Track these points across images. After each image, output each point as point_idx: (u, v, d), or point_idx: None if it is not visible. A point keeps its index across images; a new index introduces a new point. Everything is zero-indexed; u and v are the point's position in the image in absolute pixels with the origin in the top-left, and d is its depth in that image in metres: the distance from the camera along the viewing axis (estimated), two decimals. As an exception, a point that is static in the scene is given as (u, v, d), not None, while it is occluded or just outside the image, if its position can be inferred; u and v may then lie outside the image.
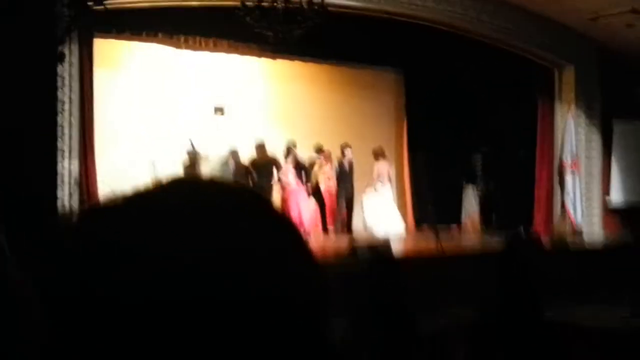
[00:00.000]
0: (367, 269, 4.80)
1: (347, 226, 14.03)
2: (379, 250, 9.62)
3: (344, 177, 14.01)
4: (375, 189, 13.81)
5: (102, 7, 6.03)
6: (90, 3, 5.77)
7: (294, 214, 12.75)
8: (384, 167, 13.99)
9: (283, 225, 0.69)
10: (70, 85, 10.38)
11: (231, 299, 0.60)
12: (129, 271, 0.59)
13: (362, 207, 13.90)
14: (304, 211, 13.00)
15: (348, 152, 13.97)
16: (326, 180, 14.08)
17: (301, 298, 0.65)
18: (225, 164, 12.13)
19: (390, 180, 14.13)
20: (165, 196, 0.67)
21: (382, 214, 13.63)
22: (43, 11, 3.78)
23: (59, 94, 10.19)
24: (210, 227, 0.63)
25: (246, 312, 0.61)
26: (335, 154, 14.17)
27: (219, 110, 14.95)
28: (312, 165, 13.90)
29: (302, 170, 13.58)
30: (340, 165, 14.15)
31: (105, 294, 0.58)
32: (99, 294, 0.58)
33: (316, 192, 13.60)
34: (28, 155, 3.77)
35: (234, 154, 12.78)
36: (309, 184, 13.65)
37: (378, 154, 14.07)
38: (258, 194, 0.70)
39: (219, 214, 0.65)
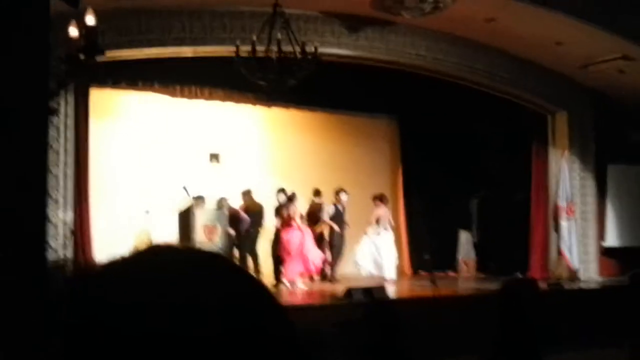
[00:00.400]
0: (363, 311, 4.78)
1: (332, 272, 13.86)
2: (374, 293, 9.61)
3: (339, 222, 13.97)
4: (378, 233, 13.79)
5: (95, 62, 6.10)
6: (83, 58, 5.84)
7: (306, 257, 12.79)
8: (385, 212, 14.00)
9: (254, 284, 0.74)
10: (65, 136, 10.45)
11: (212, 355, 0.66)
12: (134, 327, 0.66)
13: (361, 250, 13.80)
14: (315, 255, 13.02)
15: (343, 196, 13.96)
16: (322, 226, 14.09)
17: (277, 354, 0.69)
18: (219, 210, 12.13)
19: (391, 225, 14.13)
20: (148, 261, 0.73)
21: (382, 258, 13.59)
22: (37, 65, 3.82)
23: (55, 144, 10.27)
24: (191, 288, 0.68)
25: None
26: (330, 198, 14.15)
27: (215, 157, 15.02)
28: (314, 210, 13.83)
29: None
30: (335, 209, 14.11)
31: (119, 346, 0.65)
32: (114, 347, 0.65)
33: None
34: (18, 207, 3.78)
35: (225, 201, 12.79)
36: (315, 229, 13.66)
37: (381, 199, 14.07)
38: (228, 259, 0.76)
39: (196, 275, 0.70)
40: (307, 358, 0.72)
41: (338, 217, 13.93)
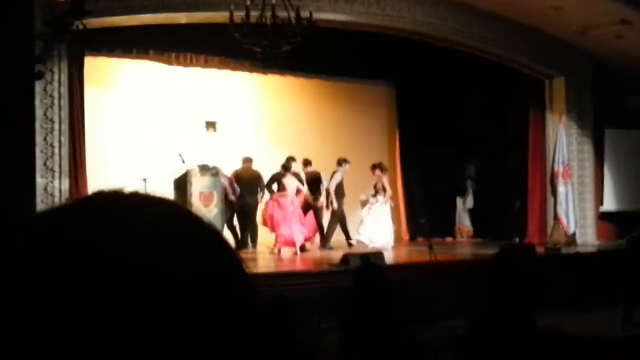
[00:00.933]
0: (358, 277, 4.79)
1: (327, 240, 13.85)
2: (371, 259, 9.63)
3: (339, 190, 13.92)
4: (376, 202, 13.70)
5: (82, 25, 6.02)
6: (68, 21, 5.76)
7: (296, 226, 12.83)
8: (384, 181, 13.88)
9: (215, 239, 0.68)
10: (60, 104, 10.39)
11: (161, 319, 0.59)
12: (77, 273, 0.59)
13: (362, 219, 13.75)
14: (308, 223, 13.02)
15: (347, 166, 13.83)
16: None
17: (233, 315, 0.64)
18: (216, 178, 12.10)
19: (389, 194, 13.99)
20: (94, 207, 0.66)
21: (381, 228, 13.53)
22: (21, 30, 3.75)
23: (49, 113, 10.21)
24: (138, 240, 0.62)
25: (175, 333, 0.60)
26: (325, 166, 14.04)
27: (211, 125, 14.97)
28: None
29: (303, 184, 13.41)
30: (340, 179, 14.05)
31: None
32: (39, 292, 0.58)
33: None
34: (4, 173, 3.75)
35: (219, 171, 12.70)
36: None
37: (382, 168, 13.91)
38: (184, 207, 0.69)
39: (145, 227, 0.64)
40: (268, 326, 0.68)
41: (339, 186, 13.89)
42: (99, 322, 0.57)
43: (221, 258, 0.66)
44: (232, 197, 12.66)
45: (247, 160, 13.39)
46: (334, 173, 13.83)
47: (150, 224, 0.64)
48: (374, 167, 13.82)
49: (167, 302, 0.59)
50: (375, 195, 13.67)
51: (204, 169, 12.05)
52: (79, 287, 0.58)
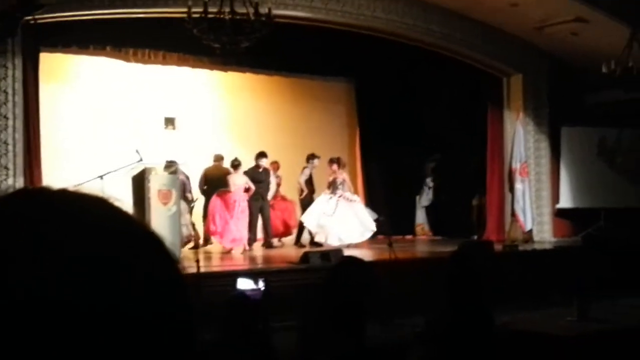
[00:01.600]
0: (334, 271, 4.76)
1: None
2: (331, 257, 9.61)
3: (308, 186, 13.94)
4: (330, 198, 13.60)
5: (32, 19, 5.90)
6: (18, 14, 5.64)
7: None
8: (346, 176, 13.82)
9: (140, 231, 0.67)
10: (14, 101, 10.19)
11: (86, 307, 0.59)
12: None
13: (310, 214, 13.62)
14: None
15: (316, 161, 13.80)
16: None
17: (156, 306, 0.62)
18: (174, 175, 12.00)
19: (350, 189, 13.90)
20: (20, 203, 0.65)
21: (339, 224, 13.45)
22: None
23: (2, 109, 10.01)
24: (65, 233, 0.61)
25: (100, 322, 0.59)
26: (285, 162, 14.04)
27: (170, 122, 14.84)
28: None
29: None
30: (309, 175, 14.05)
31: None
32: None
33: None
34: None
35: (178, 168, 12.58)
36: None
37: (339, 163, 13.81)
38: (109, 201, 0.68)
39: (72, 220, 0.63)
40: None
41: (308, 182, 13.91)
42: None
43: (142, 252, 0.65)
44: (189, 195, 12.63)
45: (218, 158, 13.36)
46: (303, 168, 13.87)
47: (71, 218, 0.63)
48: (331, 162, 13.73)
49: (84, 293, 0.58)
50: (333, 191, 13.56)
51: (166, 166, 11.97)
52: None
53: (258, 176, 12.94)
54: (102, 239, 0.62)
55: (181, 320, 0.65)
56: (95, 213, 0.65)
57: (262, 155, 13.15)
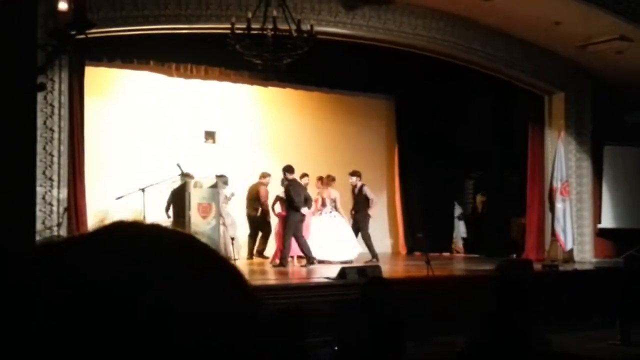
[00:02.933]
0: (361, 291, 4.79)
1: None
2: (368, 272, 9.60)
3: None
4: (321, 215, 13.56)
5: (84, 36, 6.02)
6: (72, 33, 5.76)
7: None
8: (335, 194, 13.72)
9: (224, 270, 0.68)
10: (59, 114, 10.38)
11: (170, 345, 0.59)
12: (76, 309, 0.58)
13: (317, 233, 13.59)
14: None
15: (306, 180, 13.71)
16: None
17: (245, 343, 0.64)
18: (214, 189, 12.10)
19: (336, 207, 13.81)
20: (110, 239, 0.66)
21: (339, 240, 13.40)
22: (24, 41, 3.75)
23: (49, 122, 10.20)
24: (154, 271, 0.62)
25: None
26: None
27: (210, 136, 14.98)
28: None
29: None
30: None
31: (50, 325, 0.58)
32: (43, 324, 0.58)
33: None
34: (5, 182, 3.74)
35: (223, 180, 12.68)
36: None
37: (329, 181, 13.74)
38: (197, 239, 0.69)
39: (161, 258, 0.64)
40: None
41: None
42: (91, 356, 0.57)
43: (232, 296, 0.66)
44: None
45: (264, 175, 13.52)
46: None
47: (158, 260, 0.63)
48: (320, 180, 13.65)
49: (168, 338, 0.59)
50: (326, 209, 13.54)
51: (217, 177, 12.13)
52: (71, 323, 0.58)
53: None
54: (183, 283, 0.63)
55: (268, 355, 0.66)
56: (180, 253, 0.66)
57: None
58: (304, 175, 13.33)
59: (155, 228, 0.68)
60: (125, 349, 0.57)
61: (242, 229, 13.42)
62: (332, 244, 13.19)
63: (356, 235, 13.48)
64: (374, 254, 13.17)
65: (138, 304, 0.59)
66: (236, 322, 0.64)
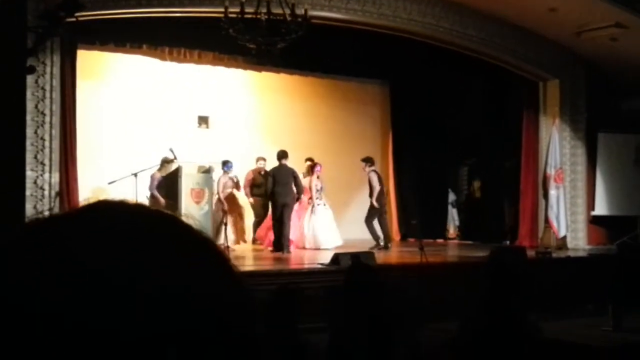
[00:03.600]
0: (347, 276, 4.76)
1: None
2: (362, 258, 9.59)
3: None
4: (323, 204, 13.63)
5: (74, 18, 5.96)
6: (62, 14, 5.70)
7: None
8: (319, 182, 13.73)
9: (207, 249, 0.69)
10: (51, 97, 10.29)
11: (149, 323, 0.60)
12: (55, 284, 0.59)
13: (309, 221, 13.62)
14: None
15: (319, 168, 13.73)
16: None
17: (227, 320, 0.64)
18: (207, 174, 12.06)
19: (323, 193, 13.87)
20: (90, 217, 0.67)
21: (327, 229, 13.49)
22: (12, 22, 3.69)
23: (40, 105, 10.12)
24: (136, 248, 0.63)
25: (163, 339, 0.60)
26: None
27: (203, 121, 14.92)
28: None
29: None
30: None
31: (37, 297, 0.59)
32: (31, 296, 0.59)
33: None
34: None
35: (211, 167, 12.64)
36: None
37: (308, 170, 13.76)
38: (181, 220, 0.70)
39: (143, 236, 0.65)
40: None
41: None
42: (76, 331, 0.58)
43: (211, 270, 0.67)
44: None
45: (257, 160, 13.45)
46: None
47: (141, 236, 0.65)
48: (312, 166, 13.67)
49: (153, 315, 0.60)
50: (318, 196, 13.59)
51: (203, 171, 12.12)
52: (58, 297, 0.59)
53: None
54: (166, 261, 0.64)
55: (248, 335, 0.66)
56: (163, 232, 0.67)
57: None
58: (309, 160, 13.41)
59: (140, 207, 0.69)
60: (109, 327, 0.58)
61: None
62: (319, 232, 13.29)
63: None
64: (375, 239, 13.27)
65: (121, 282, 0.60)
66: (218, 301, 0.64)
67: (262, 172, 13.29)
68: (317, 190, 13.54)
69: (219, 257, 0.68)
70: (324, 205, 13.62)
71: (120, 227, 0.64)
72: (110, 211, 0.67)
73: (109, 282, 0.60)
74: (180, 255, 0.65)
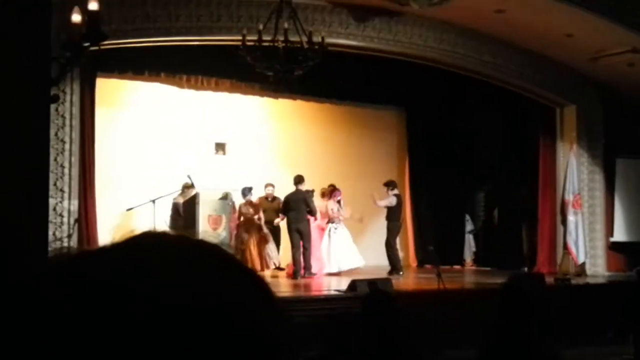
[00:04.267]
0: (364, 304, 4.75)
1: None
2: (379, 285, 9.56)
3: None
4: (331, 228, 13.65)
5: (97, 47, 6.05)
6: (86, 44, 5.78)
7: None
8: (335, 205, 13.76)
9: (247, 276, 0.70)
10: (71, 125, 10.42)
11: (200, 347, 0.61)
12: (112, 310, 0.60)
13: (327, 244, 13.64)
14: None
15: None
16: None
17: (267, 347, 0.65)
18: (225, 200, 12.09)
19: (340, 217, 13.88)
20: (137, 248, 0.68)
21: (345, 250, 13.50)
22: (37, 52, 3.77)
23: (60, 133, 10.23)
24: (182, 277, 0.64)
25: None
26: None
27: (221, 147, 15.00)
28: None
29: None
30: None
31: (89, 330, 0.60)
32: (82, 330, 0.60)
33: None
34: (18, 197, 3.75)
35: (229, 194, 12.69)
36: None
37: (327, 193, 13.83)
38: (224, 250, 0.70)
39: (188, 265, 0.66)
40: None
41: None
42: None
43: (257, 299, 0.68)
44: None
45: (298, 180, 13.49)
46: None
47: (189, 266, 0.66)
48: (332, 191, 13.77)
49: (204, 343, 0.61)
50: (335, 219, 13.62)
51: (243, 191, 12.21)
52: (117, 332, 0.60)
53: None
54: (216, 289, 0.65)
55: (288, 354, 0.67)
56: (210, 261, 0.68)
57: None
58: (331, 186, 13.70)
59: (183, 237, 0.70)
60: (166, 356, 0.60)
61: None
62: (337, 253, 13.34)
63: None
64: (392, 265, 13.29)
65: (174, 310, 0.61)
66: (264, 329, 0.65)
67: (270, 198, 13.38)
68: (335, 215, 13.57)
69: (263, 286, 0.70)
70: (339, 227, 13.65)
71: (169, 257, 0.65)
72: (156, 242, 0.68)
73: (163, 311, 0.61)
74: (228, 284, 0.66)
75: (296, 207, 12.48)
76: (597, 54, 13.21)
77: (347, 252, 13.52)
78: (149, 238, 0.69)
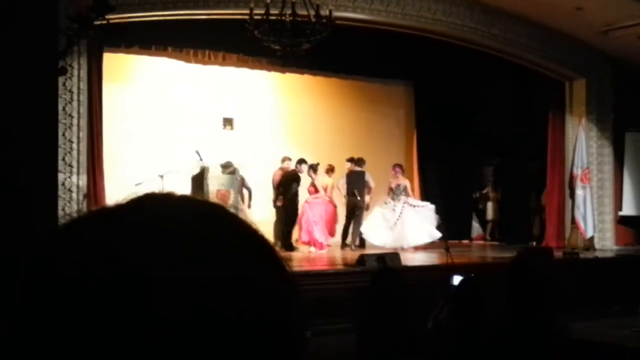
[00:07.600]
0: (372, 278, 4.78)
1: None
2: (387, 260, 9.57)
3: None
4: (387, 203, 13.64)
5: (104, 20, 6.02)
6: (92, 16, 5.75)
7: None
8: (401, 182, 13.82)
9: (255, 240, 0.69)
10: (78, 99, 10.40)
11: (198, 318, 0.60)
12: (111, 274, 0.60)
13: (370, 220, 13.64)
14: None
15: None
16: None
17: (271, 315, 0.64)
18: (233, 175, 12.08)
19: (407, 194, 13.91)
20: (140, 210, 0.67)
21: (398, 228, 13.47)
22: (44, 24, 3.74)
23: (68, 108, 10.22)
24: (183, 241, 0.63)
25: (215, 331, 0.61)
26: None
27: (228, 122, 14.97)
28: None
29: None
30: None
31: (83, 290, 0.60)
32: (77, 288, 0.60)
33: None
34: (26, 170, 3.74)
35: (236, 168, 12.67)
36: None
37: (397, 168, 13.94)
38: (228, 211, 0.70)
39: (190, 229, 0.65)
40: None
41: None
42: (118, 322, 0.59)
43: (258, 261, 0.67)
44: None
45: (283, 159, 13.42)
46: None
47: (189, 228, 0.65)
48: (397, 167, 13.87)
49: (199, 306, 0.60)
50: (394, 198, 13.63)
51: (223, 166, 12.07)
52: (100, 291, 0.59)
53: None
54: (218, 252, 0.64)
55: (296, 326, 0.67)
56: (212, 222, 0.67)
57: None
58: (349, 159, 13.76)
59: (186, 198, 0.70)
60: (158, 318, 0.59)
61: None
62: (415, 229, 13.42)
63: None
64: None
65: (165, 275, 0.60)
66: (267, 291, 0.64)
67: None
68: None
69: (267, 248, 0.68)
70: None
71: (167, 220, 0.65)
72: (156, 204, 0.68)
73: (153, 276, 0.60)
74: (229, 246, 0.65)
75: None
76: (608, 26, 13.10)
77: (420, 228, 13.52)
78: (151, 200, 0.68)
